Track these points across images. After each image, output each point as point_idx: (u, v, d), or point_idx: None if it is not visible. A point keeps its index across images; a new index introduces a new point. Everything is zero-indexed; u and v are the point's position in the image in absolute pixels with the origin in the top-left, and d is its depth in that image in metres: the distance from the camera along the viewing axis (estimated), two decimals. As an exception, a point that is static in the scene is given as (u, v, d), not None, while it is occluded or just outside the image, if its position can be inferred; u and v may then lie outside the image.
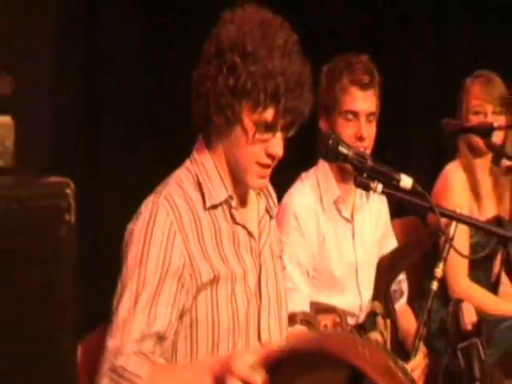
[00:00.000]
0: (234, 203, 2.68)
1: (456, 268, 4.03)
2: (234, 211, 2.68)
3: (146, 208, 2.57)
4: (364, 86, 3.55)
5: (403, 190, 2.94)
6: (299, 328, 3.31)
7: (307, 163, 3.66)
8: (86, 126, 5.31)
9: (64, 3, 4.55)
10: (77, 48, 5.21)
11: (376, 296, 3.47)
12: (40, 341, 1.51)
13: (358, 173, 2.96)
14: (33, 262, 1.49)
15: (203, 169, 2.67)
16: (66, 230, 1.50)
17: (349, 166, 3.02)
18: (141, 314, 2.46)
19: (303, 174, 3.66)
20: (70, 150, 4.97)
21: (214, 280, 2.58)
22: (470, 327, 3.51)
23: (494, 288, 4.37)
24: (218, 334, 2.60)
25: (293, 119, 2.59)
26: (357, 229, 3.69)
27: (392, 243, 3.86)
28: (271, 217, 2.82)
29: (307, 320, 3.35)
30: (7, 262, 1.47)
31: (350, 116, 3.55)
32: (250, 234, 2.71)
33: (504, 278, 4.36)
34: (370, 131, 3.58)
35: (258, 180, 2.65)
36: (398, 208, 3.94)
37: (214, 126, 2.62)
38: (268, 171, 2.65)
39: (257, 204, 2.79)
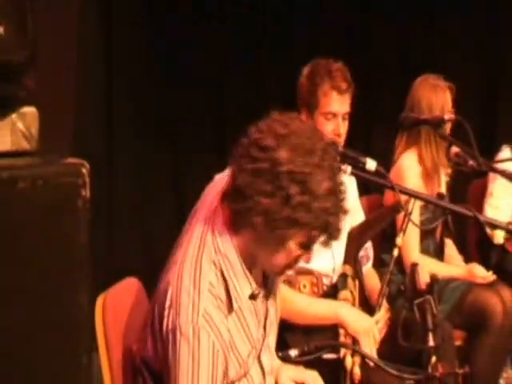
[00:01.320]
0: (256, 292, 2.52)
1: (410, 242, 4.03)
2: (257, 301, 2.57)
3: (186, 326, 2.35)
4: (342, 92, 3.56)
5: (368, 172, 2.94)
6: (282, 287, 3.30)
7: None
8: (102, 114, 5.32)
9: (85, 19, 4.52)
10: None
11: (347, 260, 3.46)
12: (61, 294, 1.50)
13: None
14: (54, 228, 1.49)
15: (228, 263, 2.44)
16: (81, 203, 1.51)
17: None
18: None
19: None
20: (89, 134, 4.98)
21: (240, 370, 2.52)
22: (424, 287, 3.47)
23: (440, 252, 4.37)
24: None
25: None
26: None
27: (360, 217, 3.85)
28: None
29: (289, 280, 3.34)
30: (33, 228, 1.46)
31: (330, 116, 3.57)
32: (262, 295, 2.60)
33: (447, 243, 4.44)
34: (344, 128, 3.62)
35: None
36: (365, 187, 3.94)
37: (251, 226, 2.37)
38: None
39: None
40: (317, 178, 2.30)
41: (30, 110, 1.59)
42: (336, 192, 2.37)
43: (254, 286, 2.49)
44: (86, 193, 1.51)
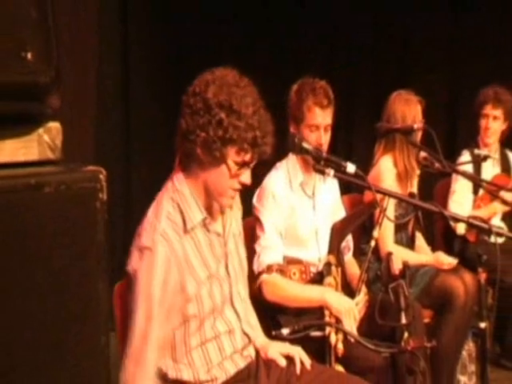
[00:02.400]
0: (207, 221, 2.62)
1: (385, 234, 4.02)
2: (209, 226, 2.63)
3: (146, 241, 2.49)
4: (323, 107, 3.53)
5: (348, 174, 2.93)
6: (275, 275, 3.29)
7: (280, 156, 3.61)
8: (120, 126, 5.26)
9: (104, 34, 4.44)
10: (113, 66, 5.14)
11: (330, 251, 3.44)
12: (82, 285, 1.49)
13: (315, 162, 2.95)
14: (75, 227, 1.48)
15: (183, 197, 2.58)
16: (99, 205, 1.51)
17: (309, 158, 3.02)
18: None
19: (277, 164, 3.63)
20: (108, 144, 4.94)
21: (198, 288, 2.56)
22: (397, 272, 3.48)
23: (411, 243, 4.36)
24: (204, 318, 2.59)
25: (261, 158, 2.58)
26: (316, 203, 3.66)
27: (342, 213, 3.84)
28: (231, 207, 2.75)
29: (281, 269, 3.33)
30: (57, 227, 1.45)
31: (313, 128, 3.53)
32: (218, 234, 2.67)
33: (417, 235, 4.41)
34: (326, 138, 3.56)
35: (230, 200, 2.63)
36: (346, 187, 3.92)
37: (197, 160, 2.54)
38: (236, 193, 2.64)
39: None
40: (241, 102, 2.47)
41: (54, 125, 1.58)
42: (259, 113, 2.52)
43: (205, 214, 2.60)
44: (103, 196, 1.51)
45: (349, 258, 3.86)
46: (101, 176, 1.50)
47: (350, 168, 2.90)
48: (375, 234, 3.53)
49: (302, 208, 3.59)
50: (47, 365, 1.45)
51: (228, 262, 2.69)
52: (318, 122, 3.53)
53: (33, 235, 1.42)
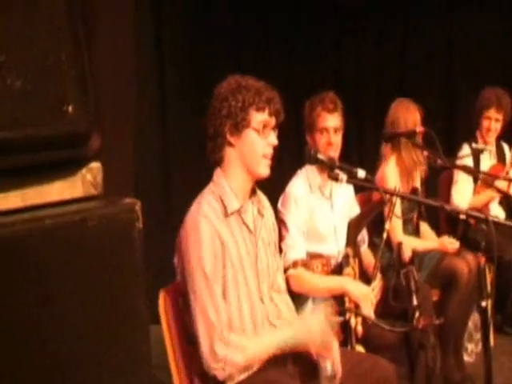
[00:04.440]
0: (243, 210, 2.63)
1: (394, 227, 3.98)
2: (243, 215, 2.62)
3: (190, 223, 2.50)
4: (330, 111, 3.51)
5: (359, 179, 2.92)
6: (300, 270, 3.27)
7: (300, 165, 3.59)
8: (159, 160, 5.19)
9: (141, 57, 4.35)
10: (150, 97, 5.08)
11: (348, 244, 3.43)
12: (124, 300, 1.50)
13: (329, 170, 2.94)
14: (117, 253, 1.48)
15: (222, 188, 2.59)
16: (136, 233, 1.51)
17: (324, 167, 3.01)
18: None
19: (298, 171, 3.62)
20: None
21: (234, 273, 2.55)
22: (407, 259, 3.47)
23: (417, 232, 4.32)
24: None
25: (277, 120, 2.62)
26: (334, 203, 3.64)
27: (356, 210, 3.81)
28: (262, 216, 2.74)
29: (305, 264, 3.31)
30: (101, 255, 1.46)
31: (323, 131, 3.51)
32: (250, 231, 2.66)
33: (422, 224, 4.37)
34: (336, 139, 3.53)
35: (267, 168, 2.62)
36: (359, 187, 3.90)
37: (229, 147, 2.59)
38: (270, 161, 2.63)
39: (251, 210, 2.71)
40: (253, 89, 2.58)
41: (95, 165, 1.58)
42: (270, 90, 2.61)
43: (241, 203, 2.61)
44: (139, 224, 1.51)
45: (364, 249, 3.84)
46: (136, 207, 1.51)
47: (361, 173, 2.89)
48: (386, 226, 3.50)
49: (321, 208, 3.58)
50: (92, 373, 1.45)
51: (257, 259, 2.66)
52: (327, 125, 3.51)
53: (80, 263, 1.43)
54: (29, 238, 1.36)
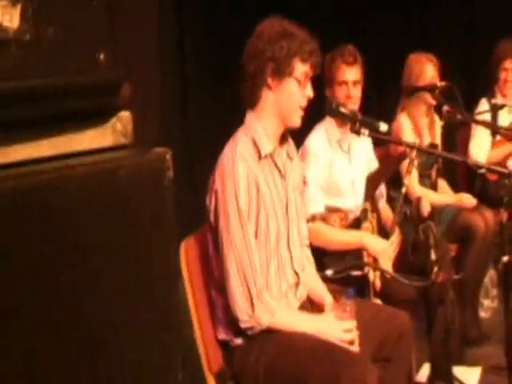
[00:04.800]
0: (276, 153, 2.62)
1: (412, 181, 3.97)
2: (276, 159, 2.62)
3: (227, 163, 2.51)
4: (349, 64, 3.52)
5: (381, 133, 2.91)
6: (318, 223, 3.27)
7: (320, 118, 3.57)
8: (180, 114, 5.14)
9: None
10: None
11: (366, 198, 3.44)
12: (157, 249, 1.50)
13: (352, 124, 2.92)
14: (148, 202, 1.48)
15: (255, 131, 2.58)
16: (167, 182, 1.50)
17: (346, 120, 2.99)
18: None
19: (316, 126, 3.61)
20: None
21: (266, 215, 2.55)
22: (426, 214, 3.45)
23: (435, 187, 4.31)
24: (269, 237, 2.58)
25: (315, 72, 2.64)
26: (352, 157, 3.64)
27: (375, 164, 3.81)
28: (291, 159, 2.73)
29: (323, 217, 3.31)
30: (134, 201, 1.46)
31: (342, 83, 3.51)
32: (282, 175, 2.65)
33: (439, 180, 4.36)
34: (355, 93, 3.53)
35: (299, 119, 2.63)
36: (377, 141, 3.87)
37: (268, 90, 2.58)
38: (303, 113, 2.64)
39: (282, 154, 2.70)
40: (294, 28, 2.58)
41: (125, 114, 1.57)
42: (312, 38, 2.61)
43: (274, 146, 2.61)
44: (170, 173, 1.51)
45: (382, 203, 3.84)
46: (167, 156, 1.50)
47: (383, 127, 2.87)
48: (406, 181, 3.48)
49: (339, 162, 3.57)
50: (127, 320, 1.46)
51: (288, 204, 2.67)
52: (346, 78, 3.51)
53: (112, 212, 1.43)
54: (61, 186, 1.35)
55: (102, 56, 1.45)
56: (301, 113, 2.61)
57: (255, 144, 2.56)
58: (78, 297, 1.33)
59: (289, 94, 2.57)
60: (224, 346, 2.58)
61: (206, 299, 2.61)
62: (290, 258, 2.67)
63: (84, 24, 1.44)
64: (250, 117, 2.62)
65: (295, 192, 2.73)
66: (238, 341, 2.54)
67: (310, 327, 2.51)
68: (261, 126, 2.59)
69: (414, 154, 3.43)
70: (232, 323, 2.51)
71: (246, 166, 2.49)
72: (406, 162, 3.61)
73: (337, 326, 2.51)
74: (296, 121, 2.62)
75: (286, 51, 2.52)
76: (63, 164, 1.41)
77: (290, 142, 2.77)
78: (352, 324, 2.52)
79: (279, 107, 2.58)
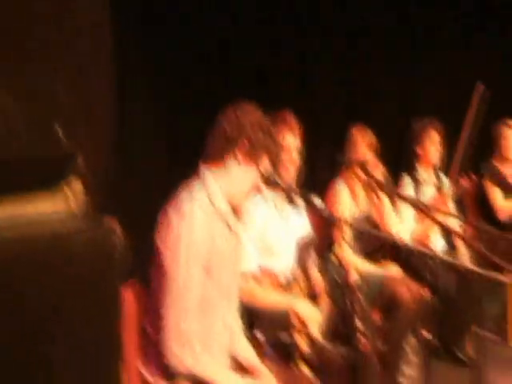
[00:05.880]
0: (229, 216, 2.68)
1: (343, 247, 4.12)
2: (229, 220, 2.67)
3: (186, 204, 2.55)
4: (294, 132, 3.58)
5: (316, 206, 2.97)
6: (251, 283, 3.32)
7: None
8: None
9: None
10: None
11: (298, 263, 3.47)
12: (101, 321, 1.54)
13: (287, 195, 2.98)
14: (99, 274, 1.52)
15: (212, 193, 2.63)
16: (118, 255, 1.56)
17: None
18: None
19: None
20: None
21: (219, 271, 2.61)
22: (353, 283, 3.51)
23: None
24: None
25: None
26: (287, 217, 3.66)
27: (308, 228, 3.82)
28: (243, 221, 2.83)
29: (256, 278, 3.30)
30: (83, 275, 1.50)
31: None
32: (233, 233, 2.72)
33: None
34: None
35: (247, 203, 2.82)
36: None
37: (231, 161, 2.66)
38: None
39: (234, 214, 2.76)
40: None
41: (78, 185, 1.62)
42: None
43: (229, 209, 2.66)
44: (121, 247, 1.55)
45: (313, 270, 3.84)
46: (117, 229, 1.55)
47: (316, 201, 2.96)
48: (335, 249, 3.55)
49: (274, 221, 3.58)
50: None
51: (237, 265, 2.75)
52: (290, 145, 3.55)
53: (67, 276, 1.47)
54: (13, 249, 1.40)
55: (59, 128, 1.51)
56: (246, 198, 2.74)
57: (211, 202, 2.61)
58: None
59: (247, 179, 2.69)
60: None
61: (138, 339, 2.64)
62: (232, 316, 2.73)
63: (43, 95, 1.49)
64: (206, 174, 2.67)
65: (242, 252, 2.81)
66: None
67: None
68: (218, 188, 2.64)
69: (342, 224, 3.53)
70: (161, 364, 2.52)
71: (204, 216, 2.53)
72: (336, 231, 3.70)
73: None
74: (241, 203, 2.73)
75: (262, 142, 2.66)
76: (15, 232, 1.45)
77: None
78: None
79: (235, 182, 2.68)
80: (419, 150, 5.03)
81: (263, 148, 2.67)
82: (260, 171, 2.69)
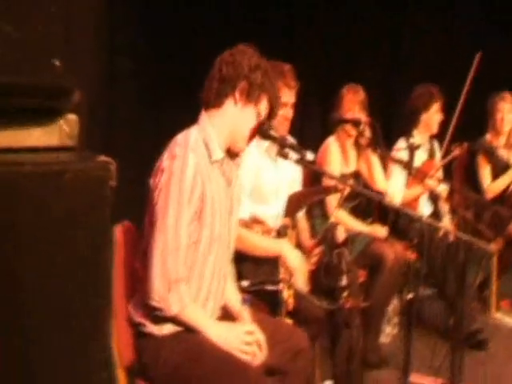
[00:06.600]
0: (225, 162, 2.68)
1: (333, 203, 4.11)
2: (224, 167, 2.68)
3: (180, 150, 2.53)
4: (291, 88, 3.54)
5: (308, 161, 2.97)
6: (241, 229, 3.27)
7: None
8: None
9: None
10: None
11: (286, 215, 3.47)
12: (89, 254, 1.55)
13: (280, 147, 2.97)
14: (90, 208, 1.53)
15: (208, 135, 2.61)
16: (109, 191, 1.56)
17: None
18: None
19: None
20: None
21: (212, 216, 2.58)
22: (340, 240, 3.54)
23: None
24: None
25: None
26: (279, 165, 3.63)
27: (297, 187, 3.84)
28: (237, 168, 2.81)
29: (247, 225, 3.27)
30: (73, 207, 1.51)
31: (282, 105, 3.38)
32: (228, 184, 2.70)
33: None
34: (291, 114, 3.60)
35: (245, 145, 2.74)
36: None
37: (229, 103, 2.63)
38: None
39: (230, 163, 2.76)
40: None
41: (73, 117, 1.62)
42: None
43: (223, 154, 2.65)
44: (113, 183, 1.55)
45: (302, 223, 3.86)
46: (111, 167, 1.55)
47: (310, 156, 2.95)
48: (332, 217, 3.60)
49: (265, 168, 3.56)
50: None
51: (230, 212, 2.71)
52: (286, 100, 3.49)
53: (57, 211, 1.48)
54: (8, 180, 1.40)
55: (57, 62, 1.50)
56: (246, 141, 2.70)
57: (207, 147, 2.61)
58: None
59: (246, 121, 2.66)
60: (137, 332, 2.60)
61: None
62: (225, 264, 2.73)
63: (42, 28, 1.49)
64: (204, 119, 2.66)
65: (238, 204, 2.79)
66: (152, 328, 2.57)
67: (214, 332, 2.55)
68: (214, 133, 2.63)
69: (346, 192, 3.55)
70: (148, 305, 2.53)
71: (197, 160, 2.52)
72: (335, 196, 3.72)
73: (240, 336, 2.58)
74: (241, 146, 2.71)
75: (260, 82, 2.63)
76: (10, 159, 1.45)
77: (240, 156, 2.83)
78: (252, 327, 2.61)
79: (234, 125, 2.65)
80: (423, 117, 5.00)
81: (262, 89, 2.64)
82: (259, 112, 2.67)
